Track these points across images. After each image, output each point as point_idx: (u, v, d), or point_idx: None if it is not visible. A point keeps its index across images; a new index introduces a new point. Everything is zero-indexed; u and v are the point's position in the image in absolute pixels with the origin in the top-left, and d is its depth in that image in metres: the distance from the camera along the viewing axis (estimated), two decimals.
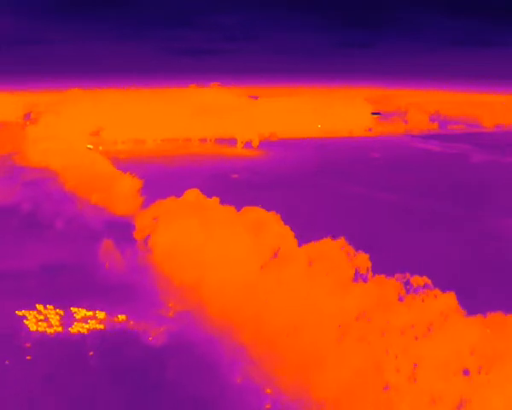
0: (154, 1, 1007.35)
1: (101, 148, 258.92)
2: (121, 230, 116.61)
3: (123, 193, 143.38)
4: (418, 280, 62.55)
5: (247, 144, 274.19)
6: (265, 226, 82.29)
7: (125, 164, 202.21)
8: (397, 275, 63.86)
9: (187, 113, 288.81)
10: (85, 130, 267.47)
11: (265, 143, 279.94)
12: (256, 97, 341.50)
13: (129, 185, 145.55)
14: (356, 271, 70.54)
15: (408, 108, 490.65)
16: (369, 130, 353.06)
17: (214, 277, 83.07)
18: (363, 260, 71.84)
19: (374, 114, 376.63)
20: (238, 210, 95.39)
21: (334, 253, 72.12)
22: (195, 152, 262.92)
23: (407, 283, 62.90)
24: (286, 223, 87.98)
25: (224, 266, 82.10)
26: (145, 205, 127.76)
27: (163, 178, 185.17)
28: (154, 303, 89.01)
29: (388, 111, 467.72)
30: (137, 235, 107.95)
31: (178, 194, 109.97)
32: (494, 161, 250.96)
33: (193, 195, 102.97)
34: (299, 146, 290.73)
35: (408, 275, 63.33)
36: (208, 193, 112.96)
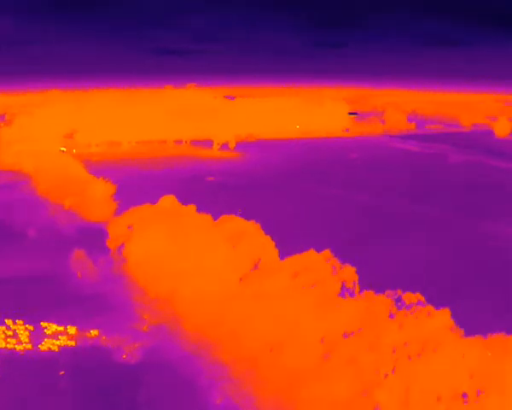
0: (128, 2, 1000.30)
1: (74, 151, 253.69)
2: (94, 237, 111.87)
3: (96, 199, 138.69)
4: (410, 297, 58.70)
5: (224, 146, 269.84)
6: (245, 236, 77.82)
7: (98, 167, 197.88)
8: (387, 292, 59.91)
9: (162, 114, 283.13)
10: (60, 132, 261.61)
11: (242, 145, 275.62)
12: (233, 98, 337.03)
13: (102, 190, 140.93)
14: (342, 285, 66.39)
15: (385, 107, 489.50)
16: (347, 130, 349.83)
17: (191, 289, 79.00)
18: (349, 273, 67.66)
19: (350, 114, 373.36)
20: (215, 216, 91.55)
21: (319, 265, 67.96)
22: (171, 154, 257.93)
23: (398, 299, 58.99)
24: (264, 229, 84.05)
25: (201, 277, 78.05)
26: (119, 211, 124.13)
27: (137, 182, 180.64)
28: (128, 316, 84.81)
29: (365, 111, 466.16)
30: (111, 243, 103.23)
31: (153, 199, 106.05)
32: (473, 162, 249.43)
33: (168, 202, 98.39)
34: (276, 147, 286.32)
35: (399, 292, 59.35)
36: (184, 197, 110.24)
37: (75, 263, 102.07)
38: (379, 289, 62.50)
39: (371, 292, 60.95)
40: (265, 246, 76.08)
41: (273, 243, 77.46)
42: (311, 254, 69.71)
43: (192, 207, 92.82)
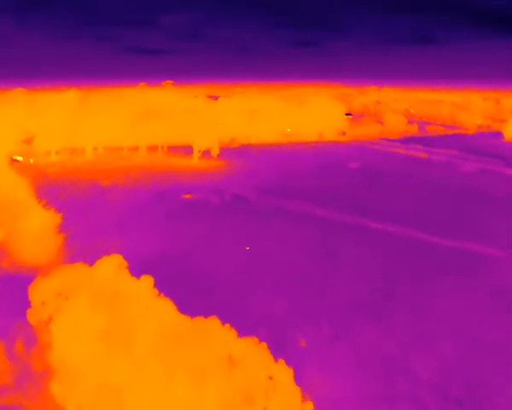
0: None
1: (32, 160, 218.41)
2: (18, 297, 75.47)
3: (33, 232, 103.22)
4: None
5: (205, 153, 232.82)
6: (240, 357, 41.40)
7: (52, 183, 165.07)
8: None
9: (134, 116, 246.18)
10: (17, 138, 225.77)
11: (227, 152, 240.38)
12: (216, 98, 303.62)
13: (42, 221, 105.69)
14: None
15: (376, 107, 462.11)
16: (343, 133, 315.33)
17: None
18: None
19: (346, 114, 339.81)
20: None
21: None
22: (142, 164, 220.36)
23: None
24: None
25: None
26: (67, 248, 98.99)
27: (95, 205, 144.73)
28: None
29: (358, 111, 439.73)
30: (32, 317, 67.21)
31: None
32: (489, 171, 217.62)
33: (111, 267, 61.00)
34: (266, 154, 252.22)
35: None
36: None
37: None
38: None
39: None
40: (274, 375, 38.73)
41: (290, 374, 39.32)
42: None
43: (148, 281, 55.69)
